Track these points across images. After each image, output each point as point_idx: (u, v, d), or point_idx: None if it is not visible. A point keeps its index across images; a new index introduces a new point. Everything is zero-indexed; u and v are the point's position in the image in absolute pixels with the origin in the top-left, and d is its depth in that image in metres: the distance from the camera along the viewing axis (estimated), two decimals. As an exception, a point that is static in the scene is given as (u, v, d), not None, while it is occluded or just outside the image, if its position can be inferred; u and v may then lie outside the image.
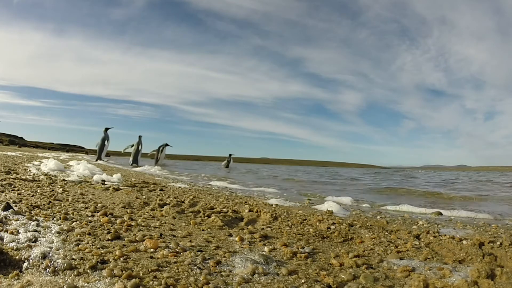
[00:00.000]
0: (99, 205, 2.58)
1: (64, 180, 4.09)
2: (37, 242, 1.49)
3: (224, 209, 2.72)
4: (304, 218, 2.51)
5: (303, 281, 1.33)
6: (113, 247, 1.52)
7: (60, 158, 11.84)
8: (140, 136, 16.01)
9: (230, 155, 20.57)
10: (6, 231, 1.60)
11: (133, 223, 2.03)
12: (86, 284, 1.16)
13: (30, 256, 1.32)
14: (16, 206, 2.15)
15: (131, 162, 15.23)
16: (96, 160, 14.00)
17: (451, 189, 8.06)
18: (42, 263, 1.28)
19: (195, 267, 1.36)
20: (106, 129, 15.33)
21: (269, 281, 1.31)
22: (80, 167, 6.00)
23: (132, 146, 15.77)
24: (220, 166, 20.87)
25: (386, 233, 2.18)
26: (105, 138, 15.04)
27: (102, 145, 14.87)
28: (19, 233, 1.58)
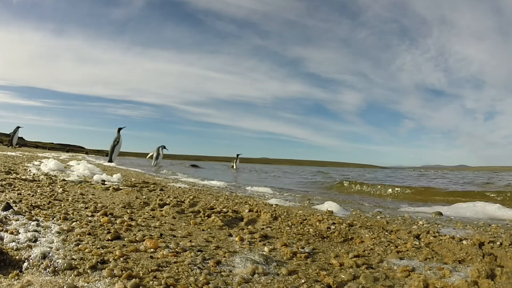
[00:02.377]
0: (99, 205, 2.58)
1: (64, 180, 4.09)
2: (37, 242, 1.49)
3: (224, 209, 2.72)
4: (304, 218, 2.51)
5: (303, 281, 1.33)
6: (113, 247, 1.52)
7: (60, 158, 11.84)
8: (163, 146, 17.71)
9: (237, 155, 21.29)
10: (6, 231, 1.60)
11: (133, 223, 2.03)
12: (86, 284, 1.16)
13: (30, 256, 1.32)
14: (16, 206, 2.15)
15: (153, 164, 16.63)
16: (108, 162, 13.95)
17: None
18: (42, 263, 1.28)
19: (195, 267, 1.36)
20: (119, 129, 15.31)
21: (269, 281, 1.31)
22: (80, 167, 6.00)
23: (158, 151, 17.35)
24: (229, 167, 21.16)
25: (386, 233, 2.18)
26: (117, 139, 15.01)
27: (113, 147, 14.88)
28: (19, 233, 1.58)
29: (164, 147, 17.85)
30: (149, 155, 18.00)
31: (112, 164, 12.18)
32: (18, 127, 19.87)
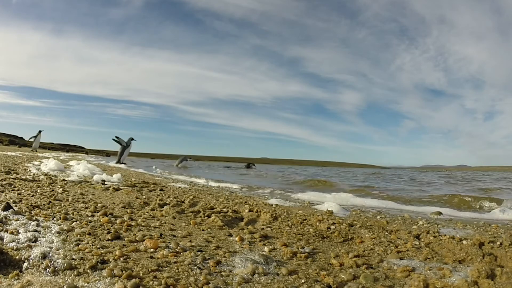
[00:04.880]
0: (99, 205, 2.58)
1: (64, 180, 4.09)
2: (37, 242, 1.49)
3: (224, 209, 2.72)
4: (304, 218, 2.51)
5: (303, 281, 1.33)
6: (113, 247, 1.52)
7: (60, 158, 11.84)
8: (188, 157, 19.19)
9: (250, 164, 24.19)
10: (6, 231, 1.60)
11: (133, 223, 2.03)
12: (86, 284, 1.16)
13: (30, 256, 1.32)
14: (16, 206, 2.15)
15: (176, 164, 18.08)
16: (116, 163, 14.74)
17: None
18: (42, 263, 1.28)
19: (195, 267, 1.36)
20: (131, 138, 16.35)
21: (269, 281, 1.31)
22: (80, 167, 6.00)
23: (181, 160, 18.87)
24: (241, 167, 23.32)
25: (386, 233, 2.18)
26: (127, 144, 15.94)
27: (122, 151, 15.77)
28: (19, 233, 1.58)
29: (190, 158, 19.42)
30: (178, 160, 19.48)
31: (122, 166, 12.25)
32: (40, 131, 20.25)
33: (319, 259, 1.66)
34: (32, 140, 19.98)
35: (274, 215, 2.58)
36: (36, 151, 19.14)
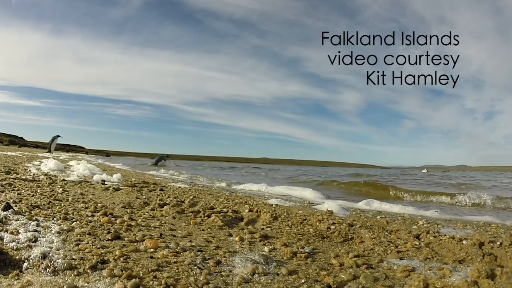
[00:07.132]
0: (99, 205, 2.58)
1: (64, 180, 4.09)
2: (37, 242, 1.49)
3: (224, 209, 2.72)
4: (304, 218, 2.51)
5: (303, 281, 1.33)
6: (113, 247, 1.52)
7: (60, 158, 11.85)
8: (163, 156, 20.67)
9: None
10: (6, 231, 1.60)
11: (133, 223, 2.03)
12: (86, 284, 1.16)
13: (30, 256, 1.32)
14: (16, 206, 2.15)
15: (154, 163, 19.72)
16: (153, 164, 17.72)
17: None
18: (42, 263, 1.28)
19: (195, 267, 1.36)
20: (166, 155, 19.71)
21: (269, 281, 1.31)
22: (80, 167, 6.00)
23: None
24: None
25: (386, 233, 2.18)
26: (164, 156, 19.38)
27: (159, 159, 19.02)
28: (19, 233, 1.58)
29: (167, 157, 20.70)
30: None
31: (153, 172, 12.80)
32: (58, 136, 20.84)
33: (319, 259, 1.66)
34: (49, 143, 20.65)
35: (274, 215, 2.58)
36: (52, 153, 19.38)
